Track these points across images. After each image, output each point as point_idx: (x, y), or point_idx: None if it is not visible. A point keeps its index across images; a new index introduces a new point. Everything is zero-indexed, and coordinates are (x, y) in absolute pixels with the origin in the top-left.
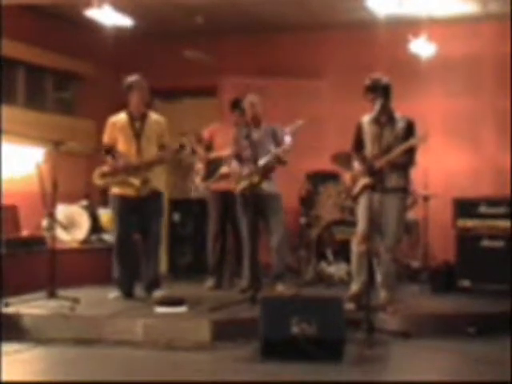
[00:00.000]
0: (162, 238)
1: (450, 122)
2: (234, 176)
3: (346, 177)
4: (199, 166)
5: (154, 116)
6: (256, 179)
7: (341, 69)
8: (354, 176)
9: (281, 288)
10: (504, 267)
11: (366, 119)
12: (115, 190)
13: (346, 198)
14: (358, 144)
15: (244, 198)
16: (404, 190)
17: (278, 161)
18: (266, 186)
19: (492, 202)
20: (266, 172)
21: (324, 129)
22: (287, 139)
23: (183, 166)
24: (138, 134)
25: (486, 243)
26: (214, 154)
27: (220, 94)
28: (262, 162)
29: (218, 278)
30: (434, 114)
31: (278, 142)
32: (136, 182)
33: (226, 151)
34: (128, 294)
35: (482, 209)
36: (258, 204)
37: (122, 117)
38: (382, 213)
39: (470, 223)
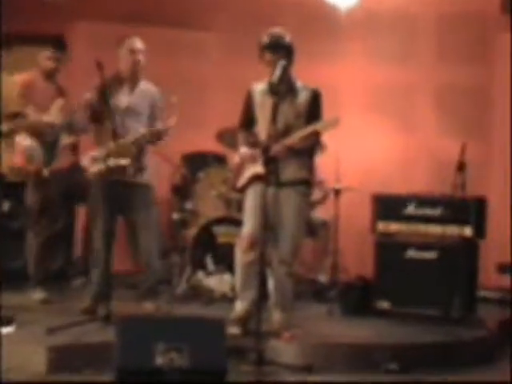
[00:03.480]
0: None
1: (373, 94)
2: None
3: (234, 160)
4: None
5: None
6: (120, 162)
7: (234, 19)
8: (241, 161)
9: (149, 307)
10: (435, 285)
11: (260, 88)
12: None
13: (231, 189)
14: (247, 119)
15: (100, 187)
16: (306, 184)
17: (153, 139)
18: (133, 174)
19: (424, 200)
20: (138, 153)
21: (208, 95)
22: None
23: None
24: None
25: (413, 254)
26: (31, 113)
27: (70, 43)
28: (129, 138)
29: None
30: (353, 83)
31: (154, 116)
32: None
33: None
34: None
35: (410, 209)
36: (120, 197)
37: None
38: (277, 212)
39: (393, 227)
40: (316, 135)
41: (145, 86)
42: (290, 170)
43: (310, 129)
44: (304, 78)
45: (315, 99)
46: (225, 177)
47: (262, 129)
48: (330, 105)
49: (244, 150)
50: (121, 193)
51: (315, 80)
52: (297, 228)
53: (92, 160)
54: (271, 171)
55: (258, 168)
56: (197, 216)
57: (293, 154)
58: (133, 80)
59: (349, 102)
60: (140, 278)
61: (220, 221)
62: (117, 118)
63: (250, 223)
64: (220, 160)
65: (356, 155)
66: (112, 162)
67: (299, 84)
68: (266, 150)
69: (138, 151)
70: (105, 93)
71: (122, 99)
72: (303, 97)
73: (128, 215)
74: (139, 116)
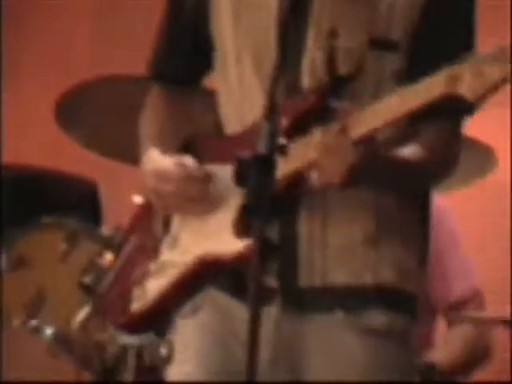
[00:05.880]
0: None
1: None
2: None
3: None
4: None
5: None
6: None
7: None
8: (149, 208)
9: None
10: None
11: None
12: None
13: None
14: (181, 46)
15: None
16: (398, 300)
17: None
18: None
19: None
20: None
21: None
22: None
23: None
24: None
25: None
26: None
27: None
28: None
29: None
30: None
31: None
32: None
33: None
34: None
35: None
36: None
37: None
38: None
39: None
40: (460, 110)
41: None
42: (341, 248)
43: (438, 79)
44: None
45: None
46: (91, 260)
47: (240, 81)
48: None
49: (163, 161)
50: None
51: None
52: None
53: None
54: (270, 254)
55: (216, 239)
56: None
57: (361, 187)
58: None
59: None
60: None
61: None
62: None
63: None
64: (81, 199)
65: None
66: None
67: None
68: (248, 160)
69: None
70: None
71: None
72: None
73: None
74: None
